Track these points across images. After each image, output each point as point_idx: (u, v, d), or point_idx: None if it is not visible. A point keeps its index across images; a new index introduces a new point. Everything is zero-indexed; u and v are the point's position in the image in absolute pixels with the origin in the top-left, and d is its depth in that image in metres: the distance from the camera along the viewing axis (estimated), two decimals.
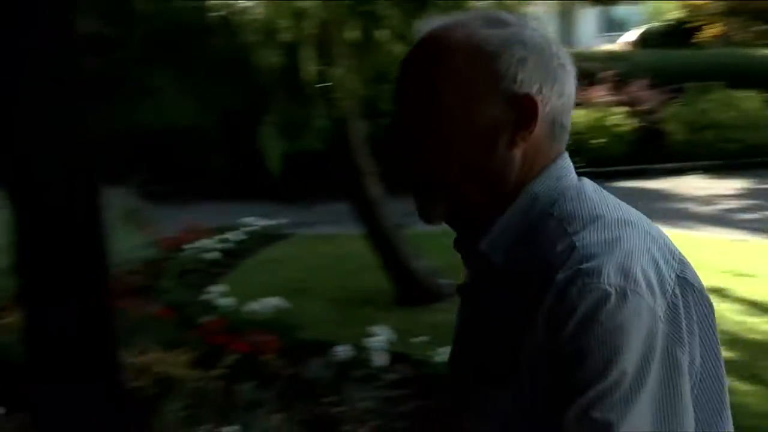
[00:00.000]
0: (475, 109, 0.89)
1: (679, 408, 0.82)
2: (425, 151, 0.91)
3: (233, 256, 7.12)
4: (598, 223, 0.86)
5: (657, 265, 0.84)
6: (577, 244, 0.83)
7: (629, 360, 0.78)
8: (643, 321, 0.79)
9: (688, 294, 0.85)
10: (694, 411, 0.84)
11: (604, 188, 0.95)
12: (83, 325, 2.44)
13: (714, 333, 0.89)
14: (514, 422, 0.86)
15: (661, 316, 0.81)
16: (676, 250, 0.90)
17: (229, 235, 7.48)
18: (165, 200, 8.68)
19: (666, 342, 0.81)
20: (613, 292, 0.79)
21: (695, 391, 0.86)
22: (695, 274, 0.89)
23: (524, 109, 0.88)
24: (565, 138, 0.96)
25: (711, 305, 0.90)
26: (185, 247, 6.84)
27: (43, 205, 2.42)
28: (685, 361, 0.83)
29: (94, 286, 2.48)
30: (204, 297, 5.34)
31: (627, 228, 0.86)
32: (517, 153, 0.90)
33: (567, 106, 0.93)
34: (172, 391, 3.72)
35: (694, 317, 0.85)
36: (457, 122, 0.89)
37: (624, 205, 0.93)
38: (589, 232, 0.85)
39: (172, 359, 4.01)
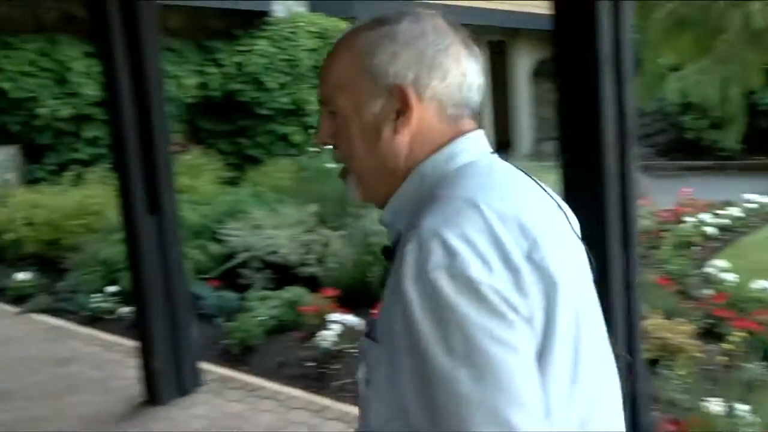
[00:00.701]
0: (362, 108, 0.95)
1: (519, 375, 0.82)
2: (336, 142, 1.01)
3: (730, 231, 6.86)
4: (447, 204, 0.88)
5: (498, 242, 0.85)
6: (418, 224, 0.86)
7: (460, 335, 0.81)
8: (474, 296, 0.81)
9: (533, 272, 0.85)
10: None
11: None
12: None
13: (554, 314, 0.87)
14: (375, 369, 0.93)
15: (501, 289, 0.82)
16: (533, 231, 0.88)
17: (728, 211, 7.21)
18: (662, 174, 8.78)
19: (503, 309, 0.82)
20: (441, 276, 0.82)
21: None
22: (548, 256, 0.88)
23: (398, 99, 0.93)
24: (464, 116, 0.98)
25: (554, 285, 0.87)
26: (683, 219, 6.86)
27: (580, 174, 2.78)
28: (523, 331, 0.84)
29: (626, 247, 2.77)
30: (704, 270, 5.30)
31: (470, 209, 0.86)
32: (403, 139, 0.95)
33: (456, 87, 0.95)
34: (673, 358, 3.83)
35: (537, 294, 0.85)
36: (349, 121, 0.97)
37: (497, 186, 0.94)
38: (433, 214, 0.87)
39: (673, 327, 4.10)
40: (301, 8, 10.56)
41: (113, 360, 4.64)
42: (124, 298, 5.30)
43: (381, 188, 1.00)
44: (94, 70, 7.41)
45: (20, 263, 6.62)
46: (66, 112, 8.23)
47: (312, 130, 9.60)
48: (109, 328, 5.22)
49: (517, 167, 1.01)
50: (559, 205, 1.02)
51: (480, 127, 1.01)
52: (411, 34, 0.95)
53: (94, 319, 5.39)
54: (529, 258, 0.86)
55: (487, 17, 12.70)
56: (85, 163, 8.06)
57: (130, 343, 4.41)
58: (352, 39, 0.98)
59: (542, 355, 0.87)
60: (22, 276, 6.21)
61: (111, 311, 5.40)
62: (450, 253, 0.83)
